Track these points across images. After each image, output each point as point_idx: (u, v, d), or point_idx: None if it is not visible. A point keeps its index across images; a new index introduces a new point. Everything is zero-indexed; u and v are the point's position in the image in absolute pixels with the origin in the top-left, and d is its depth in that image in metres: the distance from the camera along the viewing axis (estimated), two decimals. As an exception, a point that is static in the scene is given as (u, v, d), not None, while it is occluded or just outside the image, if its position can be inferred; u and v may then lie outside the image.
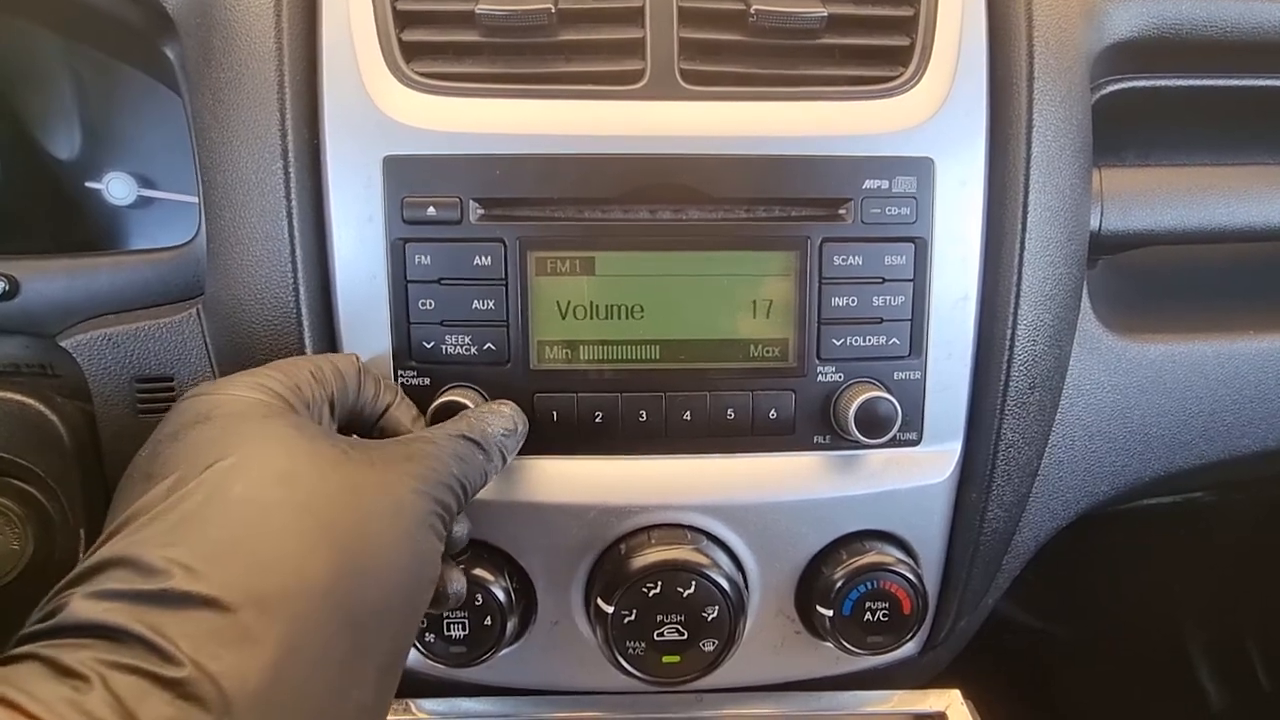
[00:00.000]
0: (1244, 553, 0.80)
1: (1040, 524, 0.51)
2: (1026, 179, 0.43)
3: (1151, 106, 0.54)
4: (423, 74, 0.42)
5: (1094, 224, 0.49)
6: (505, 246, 0.42)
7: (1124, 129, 0.54)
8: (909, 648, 0.49)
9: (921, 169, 0.42)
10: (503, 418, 0.39)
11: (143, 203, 0.64)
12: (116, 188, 0.63)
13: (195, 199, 0.46)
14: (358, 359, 0.40)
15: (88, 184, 0.63)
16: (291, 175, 0.41)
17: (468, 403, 0.41)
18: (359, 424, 0.39)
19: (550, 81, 0.42)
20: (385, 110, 0.41)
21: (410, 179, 0.41)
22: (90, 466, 0.47)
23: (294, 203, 0.41)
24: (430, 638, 0.42)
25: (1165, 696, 0.85)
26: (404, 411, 0.40)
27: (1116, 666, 0.89)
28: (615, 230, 0.42)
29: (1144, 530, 0.82)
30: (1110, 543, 0.84)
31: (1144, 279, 0.58)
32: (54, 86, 0.61)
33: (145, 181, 0.64)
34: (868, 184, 0.42)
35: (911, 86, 0.43)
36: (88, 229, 0.63)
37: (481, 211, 0.42)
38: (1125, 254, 0.53)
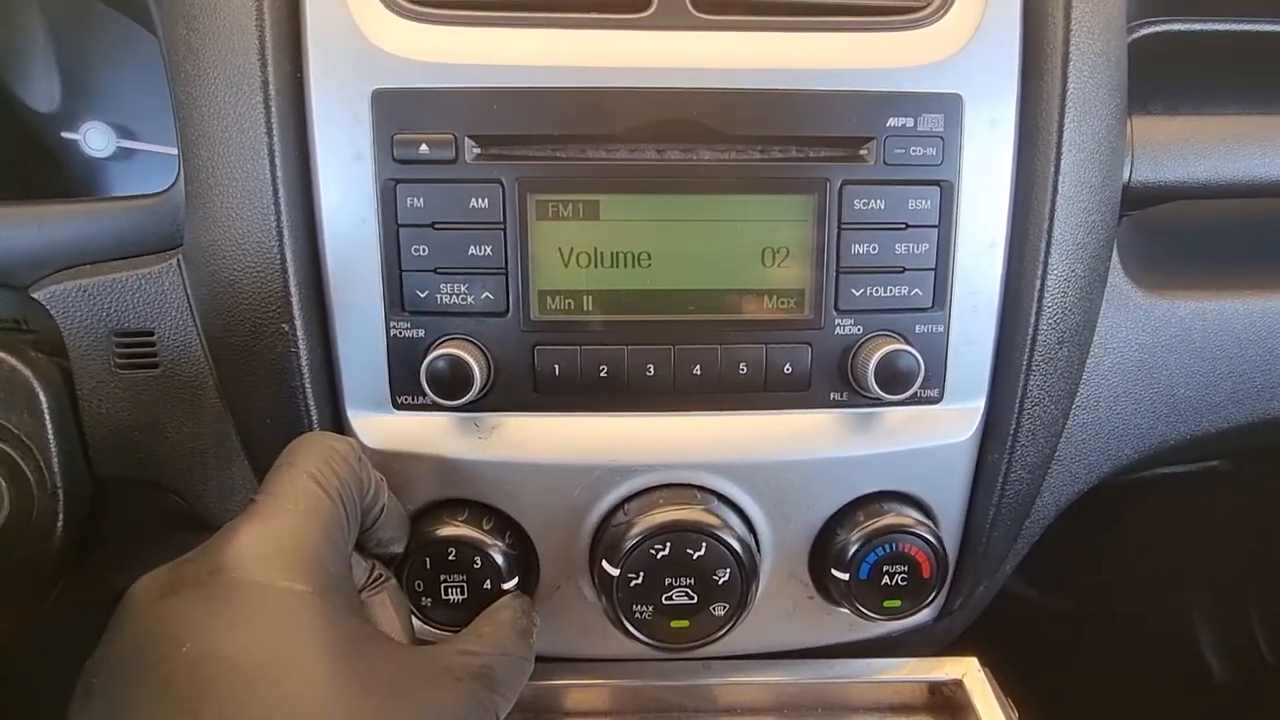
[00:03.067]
0: (1254, 525, 0.78)
1: (1062, 488, 0.49)
2: (1061, 117, 0.40)
3: (1182, 53, 0.51)
4: (414, 1, 0.39)
5: (1124, 175, 0.47)
6: (503, 188, 0.39)
7: (1153, 77, 0.51)
8: (924, 614, 0.48)
9: (949, 106, 0.39)
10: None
11: (123, 155, 0.61)
12: (94, 138, 0.60)
13: (177, 153, 0.43)
14: (355, 447, 0.35)
15: (64, 134, 0.60)
16: (273, 110, 0.38)
17: (469, 359, 0.38)
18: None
19: (551, 9, 0.39)
20: (373, 40, 0.38)
21: (401, 115, 0.38)
22: (67, 424, 0.44)
23: (276, 140, 0.39)
24: (427, 602, 0.40)
25: (1168, 669, 0.84)
26: (394, 519, 0.38)
27: (1121, 639, 0.88)
28: (621, 171, 0.39)
29: (1154, 500, 0.80)
30: (1119, 513, 0.82)
31: (1170, 237, 0.56)
32: (24, 27, 0.57)
33: (125, 132, 0.61)
34: (891, 122, 0.39)
35: (939, 17, 0.40)
36: (65, 182, 0.60)
37: (478, 150, 0.39)
38: (1151, 211, 0.50)
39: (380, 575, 0.37)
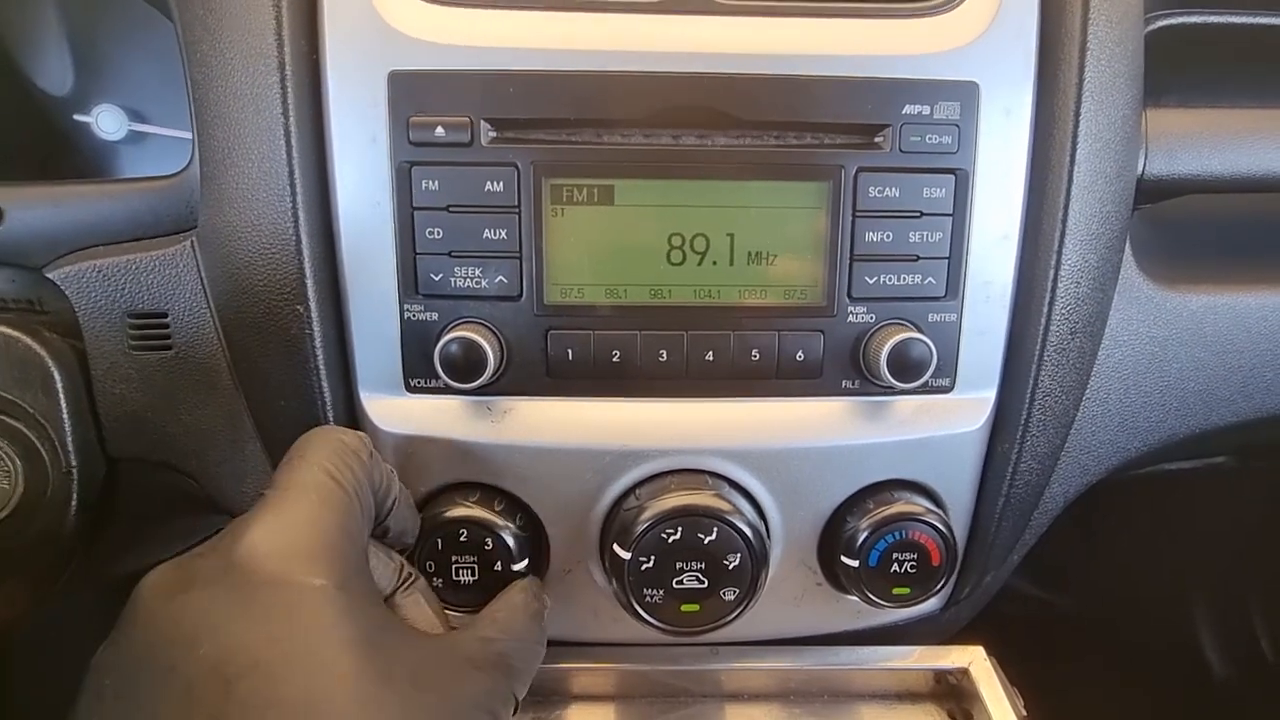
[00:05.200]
0: (1258, 523, 0.78)
1: (1070, 480, 0.49)
2: (1077, 107, 0.40)
3: (1198, 47, 0.51)
4: (431, -17, 0.39)
5: (1138, 168, 0.46)
6: (519, 172, 0.39)
7: (1168, 70, 0.51)
8: (931, 603, 0.48)
9: (965, 94, 0.39)
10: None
11: (135, 138, 0.61)
12: (106, 121, 0.60)
13: (190, 135, 0.43)
14: (367, 441, 0.35)
15: (76, 117, 0.60)
16: (289, 91, 0.38)
17: (483, 343, 0.38)
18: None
19: (568, -7, 0.39)
20: (390, 21, 0.38)
21: (417, 96, 0.38)
22: (81, 405, 0.45)
23: (292, 121, 0.39)
24: (438, 583, 0.40)
25: (1170, 666, 0.85)
26: (406, 511, 0.38)
27: (1124, 636, 0.88)
28: (636, 156, 0.39)
29: (1159, 497, 0.80)
30: (1123, 509, 0.82)
31: (1183, 231, 0.55)
32: (37, 9, 0.57)
33: (137, 116, 0.61)
34: (907, 109, 0.39)
35: (956, 4, 0.40)
36: (76, 164, 0.60)
37: (493, 133, 0.39)
38: (1163, 205, 0.50)
39: (410, 575, 0.36)
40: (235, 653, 0.26)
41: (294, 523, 0.30)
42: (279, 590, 0.28)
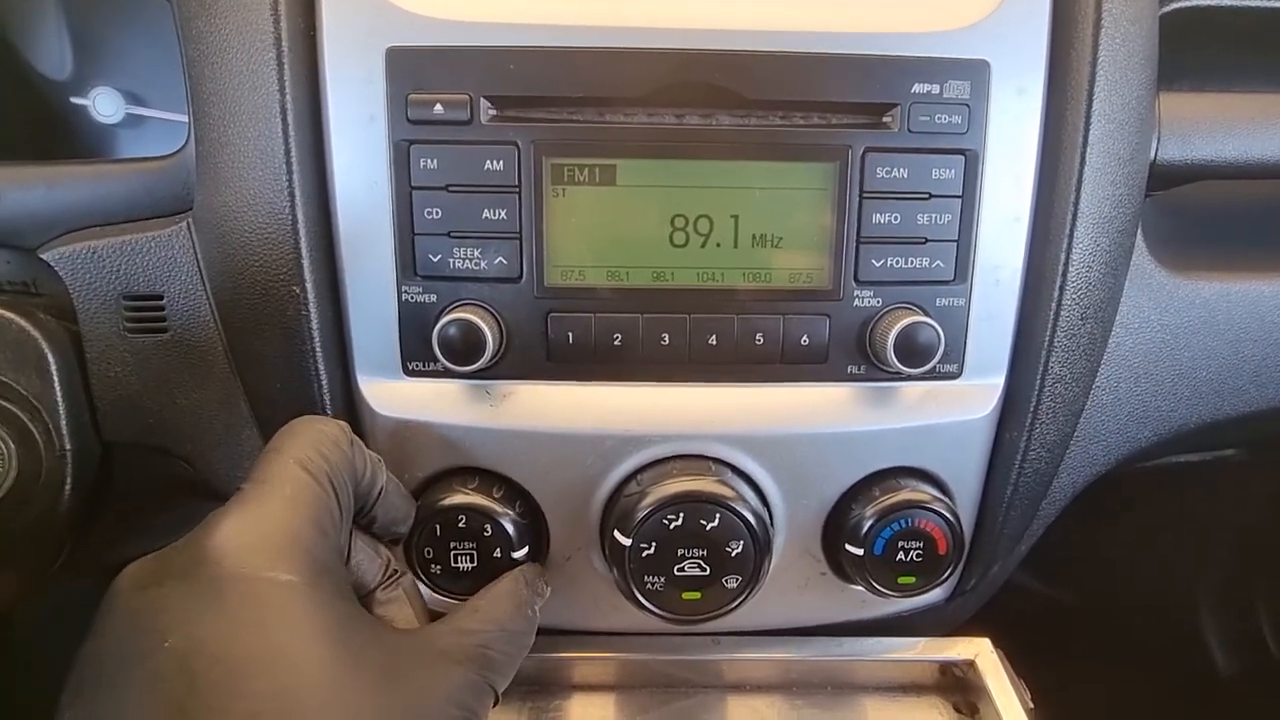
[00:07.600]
0: (1264, 517, 0.77)
1: (1079, 469, 0.48)
2: (1091, 87, 0.39)
3: (1211, 31, 0.50)
4: (430, -43, 0.38)
5: (1151, 152, 0.46)
6: (519, 150, 0.38)
7: (1182, 54, 0.50)
8: (937, 593, 0.47)
9: (976, 73, 0.38)
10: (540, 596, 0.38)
11: (133, 122, 0.61)
12: (104, 104, 0.59)
13: (187, 118, 0.42)
14: (347, 430, 0.34)
15: (73, 100, 0.59)
16: (285, 67, 0.38)
17: (482, 325, 0.38)
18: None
19: (570, -32, 0.38)
20: (388, -4, 0.38)
21: (416, 73, 0.37)
22: (76, 388, 0.44)
23: (288, 98, 0.38)
24: (436, 570, 0.40)
25: (1175, 662, 0.84)
26: (396, 500, 0.37)
27: (1129, 631, 0.88)
28: (638, 135, 0.39)
29: (1165, 490, 0.79)
30: (1129, 503, 0.82)
31: (1195, 218, 0.55)
32: (33, -11, 0.57)
33: (135, 99, 0.60)
34: (916, 88, 0.38)
35: (967, -20, 0.39)
36: (74, 148, 0.59)
37: (493, 111, 0.38)
38: (1176, 191, 0.49)
39: (395, 571, 0.36)
40: (201, 646, 0.26)
41: (264, 517, 0.30)
42: (247, 585, 0.28)
